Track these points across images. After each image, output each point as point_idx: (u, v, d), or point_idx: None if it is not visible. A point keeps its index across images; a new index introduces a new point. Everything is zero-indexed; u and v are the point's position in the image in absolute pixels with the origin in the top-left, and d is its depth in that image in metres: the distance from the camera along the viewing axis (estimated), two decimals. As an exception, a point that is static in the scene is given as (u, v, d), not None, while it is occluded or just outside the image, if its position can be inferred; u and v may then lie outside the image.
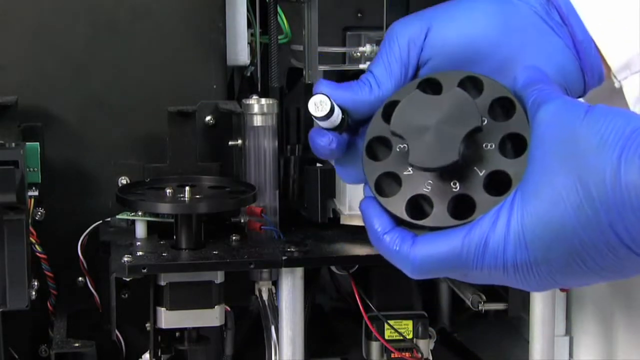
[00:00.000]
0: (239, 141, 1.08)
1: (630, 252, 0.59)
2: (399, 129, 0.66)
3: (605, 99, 0.75)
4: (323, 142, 0.71)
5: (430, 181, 0.66)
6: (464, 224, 0.64)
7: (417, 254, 0.64)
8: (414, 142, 0.65)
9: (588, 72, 0.73)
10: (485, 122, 0.66)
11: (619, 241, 0.59)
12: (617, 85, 0.74)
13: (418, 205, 0.67)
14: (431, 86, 0.69)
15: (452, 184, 0.65)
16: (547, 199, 0.60)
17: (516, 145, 0.65)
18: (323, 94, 0.69)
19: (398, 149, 0.68)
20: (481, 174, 0.65)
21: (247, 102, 1.07)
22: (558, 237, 0.60)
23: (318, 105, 0.69)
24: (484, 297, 1.13)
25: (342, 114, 0.71)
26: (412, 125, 0.66)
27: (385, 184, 0.68)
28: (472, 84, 0.68)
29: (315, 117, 0.70)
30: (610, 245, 0.59)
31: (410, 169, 0.67)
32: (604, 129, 0.60)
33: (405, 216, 0.66)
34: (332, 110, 0.69)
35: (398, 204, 0.67)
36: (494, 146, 0.65)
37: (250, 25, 1.18)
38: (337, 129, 0.71)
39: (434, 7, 0.74)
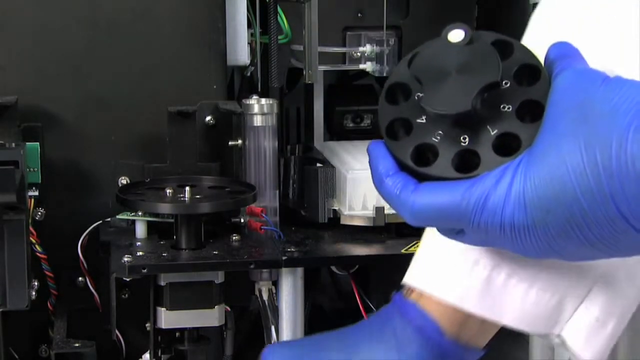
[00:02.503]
0: (239, 141, 1.08)
1: (628, 225, 0.58)
2: (419, 72, 0.66)
3: None
4: None
5: (440, 132, 0.66)
6: (466, 177, 0.63)
7: (416, 201, 0.64)
8: (431, 87, 0.65)
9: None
10: (508, 84, 0.65)
11: (618, 213, 0.58)
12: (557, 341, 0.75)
13: (425, 155, 0.66)
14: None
15: (462, 138, 0.65)
16: (552, 162, 0.60)
17: (534, 112, 0.64)
18: None
19: (416, 97, 0.67)
20: (492, 133, 0.64)
21: (247, 102, 1.07)
22: (558, 200, 0.59)
23: None
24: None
25: None
26: (432, 69, 0.66)
27: (397, 129, 0.68)
28: (503, 47, 0.67)
29: None
30: (609, 217, 0.58)
31: (424, 117, 0.67)
32: (617, 97, 0.59)
33: (409, 161, 0.66)
34: None
35: (404, 149, 0.66)
36: (511, 109, 0.65)
37: (250, 25, 1.18)
38: None
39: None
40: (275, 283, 1.04)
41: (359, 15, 1.22)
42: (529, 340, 1.09)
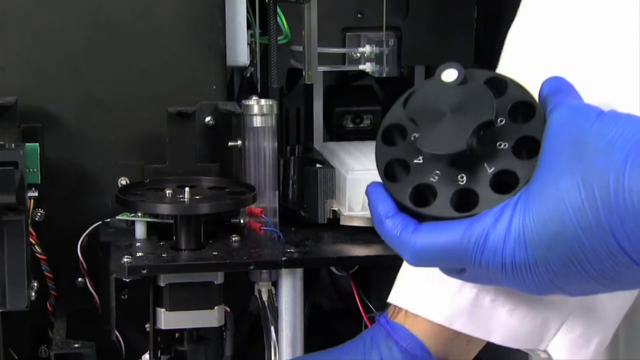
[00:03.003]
0: (239, 142, 1.08)
1: (630, 260, 0.58)
2: (414, 114, 0.67)
3: None
4: None
5: (438, 172, 0.66)
6: (466, 217, 0.64)
7: (417, 241, 0.64)
8: (426, 127, 0.66)
9: None
10: (504, 122, 0.66)
11: (618, 247, 0.58)
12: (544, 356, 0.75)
13: (423, 195, 0.66)
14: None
15: (459, 177, 0.65)
16: (550, 199, 0.60)
17: (530, 149, 0.65)
18: None
19: (413, 138, 0.68)
20: (490, 171, 0.65)
21: (247, 103, 1.07)
22: (558, 238, 0.60)
23: None
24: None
25: None
26: (426, 110, 0.66)
27: (395, 171, 0.68)
28: (497, 85, 0.67)
29: None
30: (610, 251, 0.58)
31: (420, 157, 0.67)
32: (613, 132, 0.59)
33: (408, 202, 0.66)
34: None
35: (403, 190, 0.67)
36: (507, 146, 0.65)
37: (249, 26, 1.18)
38: None
39: None
40: (275, 284, 1.04)
41: (359, 16, 1.22)
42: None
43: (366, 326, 1.10)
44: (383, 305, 1.10)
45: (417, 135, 0.67)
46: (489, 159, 0.65)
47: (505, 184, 0.64)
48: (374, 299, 1.11)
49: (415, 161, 0.67)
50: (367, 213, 1.07)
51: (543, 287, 0.62)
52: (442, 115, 0.65)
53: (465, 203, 0.65)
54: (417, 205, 0.66)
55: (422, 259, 0.65)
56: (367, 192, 0.68)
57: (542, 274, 0.61)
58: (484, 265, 0.62)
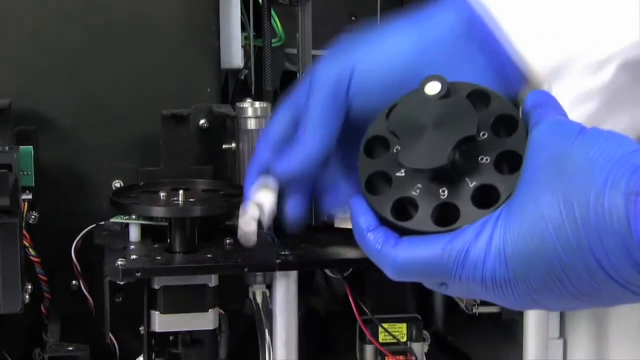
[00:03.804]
0: (233, 144, 1.08)
1: (608, 277, 0.58)
2: (396, 127, 0.67)
3: None
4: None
5: (419, 185, 0.66)
6: (446, 231, 0.64)
7: (398, 255, 0.64)
8: (407, 141, 0.66)
9: (514, 85, 0.74)
10: (486, 135, 0.66)
11: (598, 266, 0.58)
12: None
13: (405, 208, 0.66)
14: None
15: (440, 191, 0.65)
16: (530, 216, 0.60)
17: (512, 163, 0.65)
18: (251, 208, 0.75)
19: (395, 150, 0.68)
20: (471, 186, 0.65)
21: (241, 106, 1.07)
22: (538, 255, 0.60)
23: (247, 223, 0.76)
24: (478, 300, 1.13)
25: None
26: (408, 124, 0.66)
27: (377, 183, 0.68)
28: (480, 98, 0.67)
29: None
30: (589, 269, 0.58)
31: (403, 170, 0.67)
32: (593, 150, 0.59)
33: (389, 216, 0.66)
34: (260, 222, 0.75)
35: (384, 204, 0.67)
36: (489, 160, 0.65)
37: (244, 28, 1.18)
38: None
39: (353, 42, 0.75)
40: (269, 286, 1.03)
41: (353, 18, 1.22)
42: (523, 343, 1.09)
43: (361, 329, 1.10)
44: (377, 308, 1.11)
45: (399, 148, 0.67)
46: (471, 173, 0.65)
47: (487, 198, 0.64)
48: (368, 302, 1.11)
49: (398, 174, 0.67)
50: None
51: (523, 303, 0.62)
52: (424, 129, 0.65)
53: (446, 217, 0.65)
54: (399, 218, 0.66)
55: (403, 273, 0.65)
56: (349, 205, 0.69)
57: (521, 290, 0.61)
58: (464, 280, 0.62)
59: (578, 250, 0.58)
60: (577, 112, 0.72)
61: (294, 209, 0.77)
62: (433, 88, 0.67)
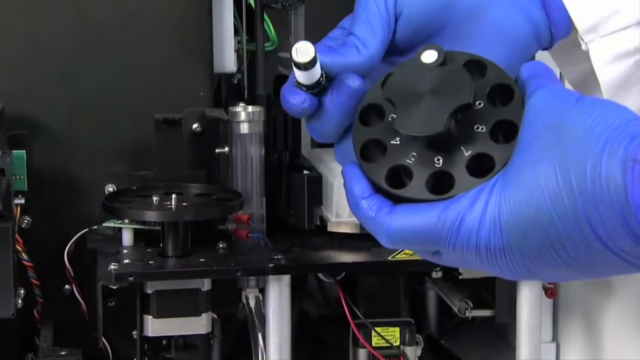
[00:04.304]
0: (226, 149, 1.08)
1: (604, 247, 0.58)
2: (392, 94, 0.66)
3: (571, 60, 0.77)
4: (295, 101, 0.69)
5: (414, 153, 0.66)
6: (441, 199, 0.64)
7: (392, 223, 0.64)
8: (403, 108, 0.65)
9: (556, 26, 0.73)
10: (482, 105, 0.66)
11: (594, 235, 0.58)
12: (584, 47, 0.74)
13: (399, 176, 0.66)
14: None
15: (435, 159, 0.65)
16: (527, 185, 0.60)
17: (508, 132, 0.65)
18: (309, 43, 0.66)
19: (390, 119, 0.68)
20: (466, 154, 0.65)
21: (234, 110, 1.08)
22: (533, 224, 0.59)
23: (301, 51, 0.66)
24: (470, 304, 1.13)
25: (321, 76, 0.70)
26: (404, 91, 0.66)
27: (371, 151, 0.68)
28: (476, 67, 0.67)
29: (296, 65, 0.67)
30: (585, 238, 0.58)
31: (397, 139, 0.67)
32: (591, 119, 0.59)
33: (383, 183, 0.66)
34: (314, 61, 0.67)
35: (379, 171, 0.66)
36: (484, 129, 0.65)
37: (237, 32, 1.18)
38: (312, 88, 0.70)
39: None
40: (262, 290, 1.03)
41: (346, 22, 1.22)
42: (516, 347, 1.10)
43: (354, 333, 1.10)
44: (370, 312, 1.11)
45: (394, 116, 0.67)
46: (466, 142, 0.65)
47: (482, 167, 0.64)
48: (361, 305, 1.11)
49: (392, 142, 0.67)
50: (355, 219, 1.07)
51: (517, 273, 0.62)
52: (420, 96, 0.65)
53: (441, 186, 0.64)
54: (393, 186, 0.66)
55: (397, 241, 0.65)
56: (342, 173, 0.68)
57: (516, 259, 0.61)
58: (459, 249, 0.62)
59: (574, 219, 0.58)
60: (611, 72, 0.73)
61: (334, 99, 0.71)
62: (430, 56, 0.67)
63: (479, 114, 0.65)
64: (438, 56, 0.66)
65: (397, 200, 0.65)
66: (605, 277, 0.62)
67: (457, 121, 0.65)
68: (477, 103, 0.66)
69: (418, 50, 0.67)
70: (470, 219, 0.62)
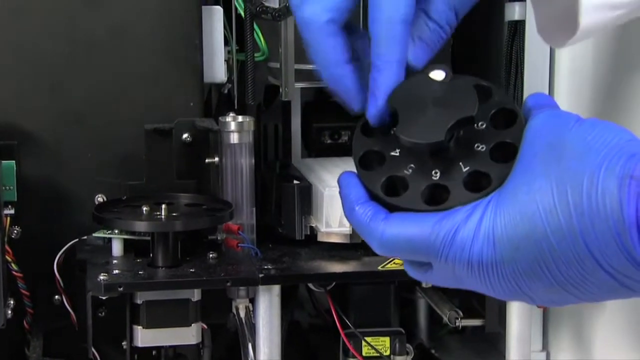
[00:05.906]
0: (216, 159, 1.08)
1: (597, 266, 0.58)
2: (397, 103, 0.67)
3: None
4: None
5: (412, 165, 0.66)
6: (436, 210, 0.64)
7: (386, 230, 0.64)
8: (406, 116, 0.66)
9: None
10: (484, 126, 0.66)
11: (587, 252, 0.58)
12: None
13: (395, 187, 0.67)
14: None
15: (433, 172, 0.66)
16: (522, 200, 0.60)
17: (508, 154, 0.65)
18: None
19: (392, 132, 0.68)
20: (464, 170, 0.65)
21: (224, 120, 1.08)
22: (527, 238, 0.60)
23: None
24: (461, 313, 1.13)
25: None
26: (409, 100, 0.67)
27: (370, 161, 0.69)
28: (481, 91, 0.68)
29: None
30: (578, 255, 0.58)
31: (397, 150, 0.67)
32: (590, 137, 0.60)
33: (379, 191, 0.66)
34: None
35: (376, 179, 0.67)
36: (485, 148, 0.66)
37: (227, 42, 1.18)
38: None
39: None
40: (252, 300, 1.03)
41: (336, 32, 1.22)
42: (506, 356, 1.10)
43: (344, 343, 1.10)
44: (361, 322, 1.11)
45: (396, 129, 0.67)
46: (465, 158, 0.66)
47: (478, 184, 0.64)
48: (351, 316, 1.11)
49: (392, 154, 0.68)
50: (345, 229, 1.07)
51: (509, 290, 0.62)
52: (425, 106, 0.66)
53: (436, 198, 0.65)
54: (389, 196, 0.66)
55: (390, 248, 0.65)
56: (339, 180, 0.68)
57: (508, 275, 0.61)
58: (451, 261, 0.62)
59: (568, 235, 0.58)
60: (594, 18, 0.73)
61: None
62: (437, 76, 0.67)
63: (481, 134, 0.66)
64: (445, 76, 0.67)
65: (392, 209, 0.66)
66: (597, 302, 0.62)
67: (459, 138, 0.66)
68: (480, 124, 0.66)
69: (426, 67, 0.68)
70: (465, 231, 0.62)
